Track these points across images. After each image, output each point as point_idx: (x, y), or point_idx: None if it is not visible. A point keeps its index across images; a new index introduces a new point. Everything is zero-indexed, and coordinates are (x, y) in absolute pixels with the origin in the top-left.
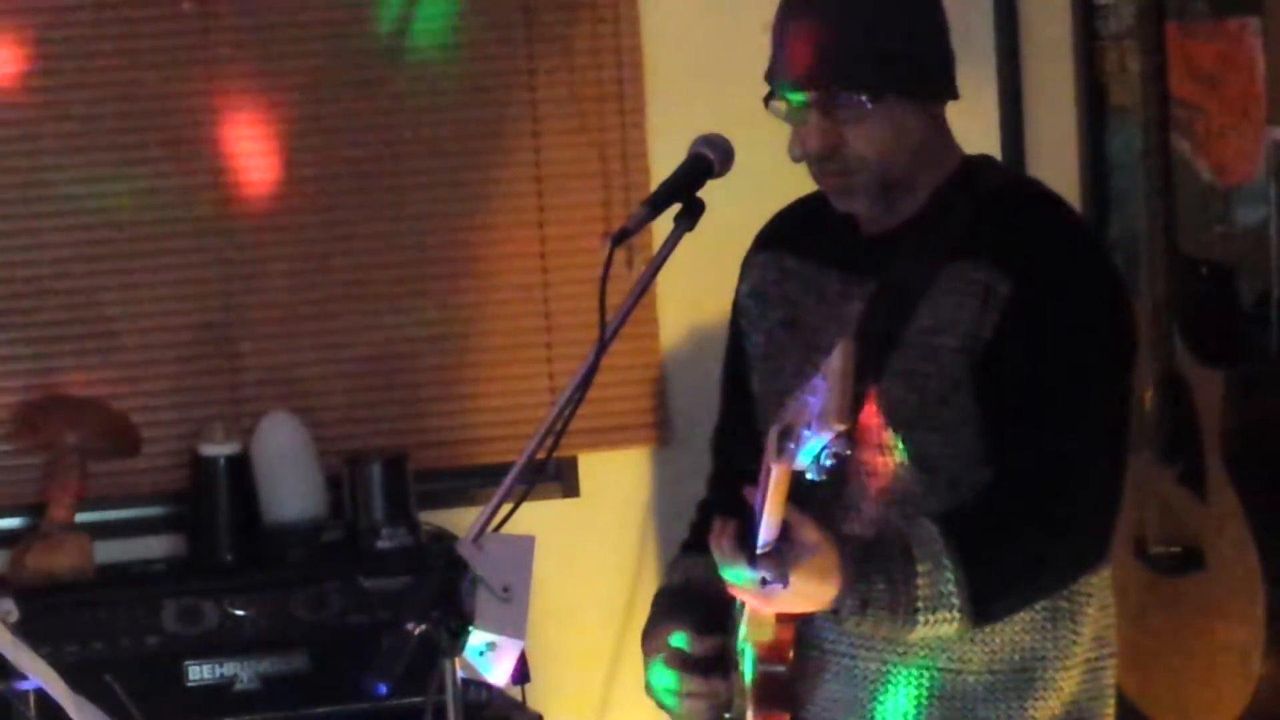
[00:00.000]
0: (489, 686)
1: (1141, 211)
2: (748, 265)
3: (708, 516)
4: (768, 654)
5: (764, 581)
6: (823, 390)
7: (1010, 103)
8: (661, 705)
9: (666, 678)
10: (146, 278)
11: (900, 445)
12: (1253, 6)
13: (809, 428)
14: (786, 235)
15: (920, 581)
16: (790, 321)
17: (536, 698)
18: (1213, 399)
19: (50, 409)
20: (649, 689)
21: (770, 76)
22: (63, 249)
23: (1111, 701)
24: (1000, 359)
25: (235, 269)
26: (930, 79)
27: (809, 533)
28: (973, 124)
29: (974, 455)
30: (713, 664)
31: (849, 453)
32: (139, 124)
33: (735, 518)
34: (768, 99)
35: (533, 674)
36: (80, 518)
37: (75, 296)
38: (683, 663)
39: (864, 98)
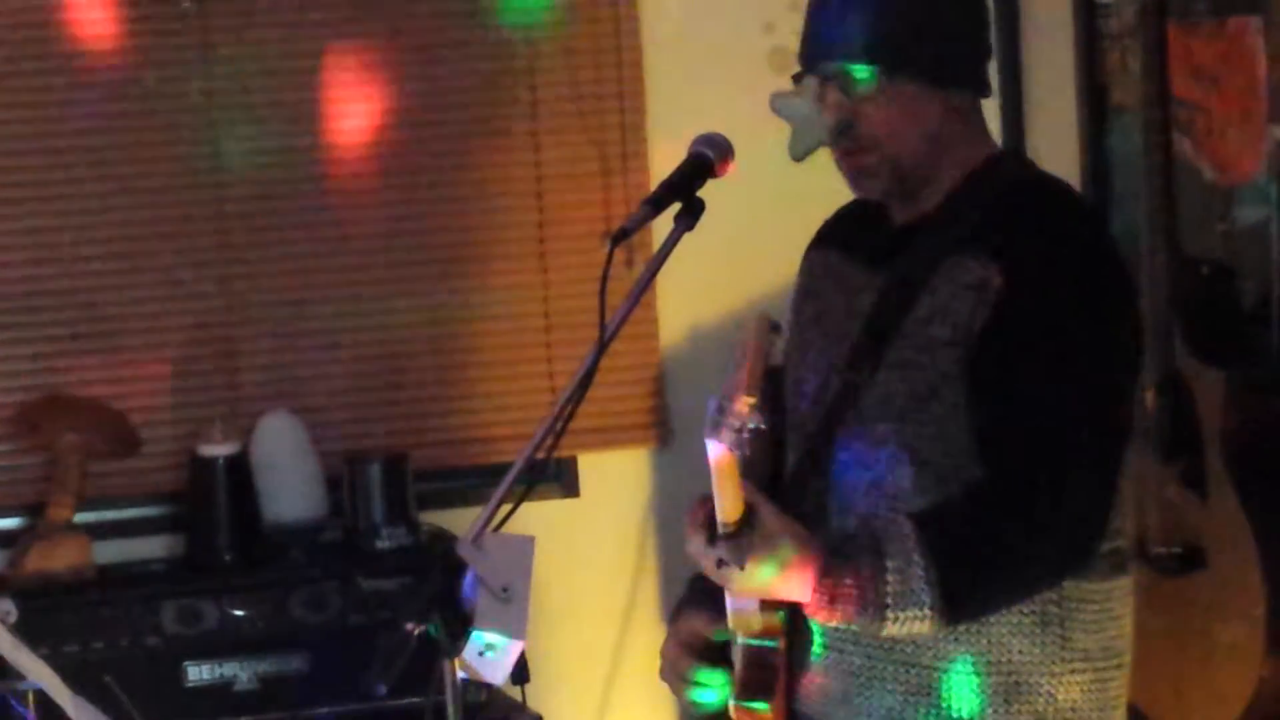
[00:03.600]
0: (489, 686)
1: (1142, 211)
2: (803, 263)
3: None
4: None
5: (720, 562)
6: (736, 363)
7: (1010, 103)
8: (672, 688)
9: (679, 662)
10: (146, 278)
11: (892, 438)
12: (1254, 6)
13: (727, 400)
14: (838, 233)
15: (890, 579)
16: (818, 316)
17: (536, 698)
18: (1214, 399)
19: (50, 409)
20: (662, 672)
21: (800, 55)
22: (63, 249)
23: (1120, 714)
24: (988, 352)
25: (235, 269)
26: (949, 66)
27: (773, 524)
28: None
29: (964, 451)
30: (726, 656)
31: (764, 426)
32: (139, 123)
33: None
34: (797, 77)
35: (533, 674)
36: (80, 518)
37: (75, 296)
38: (697, 651)
39: (875, 72)
